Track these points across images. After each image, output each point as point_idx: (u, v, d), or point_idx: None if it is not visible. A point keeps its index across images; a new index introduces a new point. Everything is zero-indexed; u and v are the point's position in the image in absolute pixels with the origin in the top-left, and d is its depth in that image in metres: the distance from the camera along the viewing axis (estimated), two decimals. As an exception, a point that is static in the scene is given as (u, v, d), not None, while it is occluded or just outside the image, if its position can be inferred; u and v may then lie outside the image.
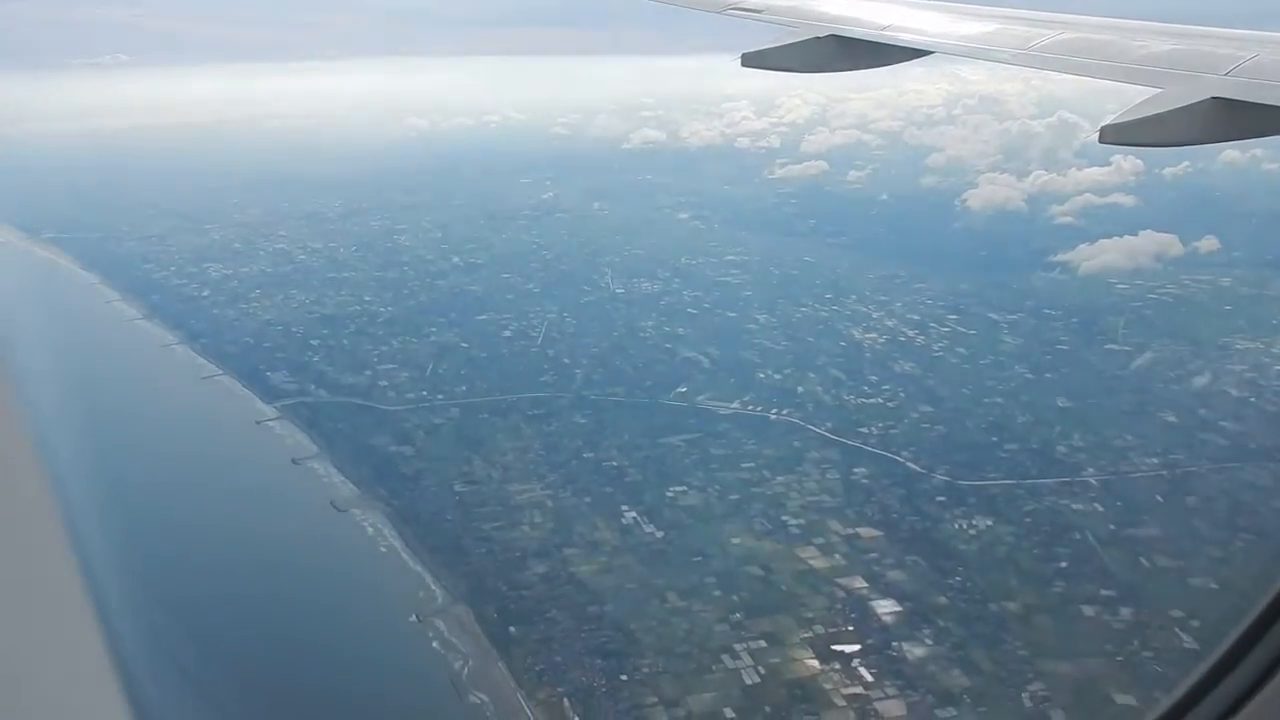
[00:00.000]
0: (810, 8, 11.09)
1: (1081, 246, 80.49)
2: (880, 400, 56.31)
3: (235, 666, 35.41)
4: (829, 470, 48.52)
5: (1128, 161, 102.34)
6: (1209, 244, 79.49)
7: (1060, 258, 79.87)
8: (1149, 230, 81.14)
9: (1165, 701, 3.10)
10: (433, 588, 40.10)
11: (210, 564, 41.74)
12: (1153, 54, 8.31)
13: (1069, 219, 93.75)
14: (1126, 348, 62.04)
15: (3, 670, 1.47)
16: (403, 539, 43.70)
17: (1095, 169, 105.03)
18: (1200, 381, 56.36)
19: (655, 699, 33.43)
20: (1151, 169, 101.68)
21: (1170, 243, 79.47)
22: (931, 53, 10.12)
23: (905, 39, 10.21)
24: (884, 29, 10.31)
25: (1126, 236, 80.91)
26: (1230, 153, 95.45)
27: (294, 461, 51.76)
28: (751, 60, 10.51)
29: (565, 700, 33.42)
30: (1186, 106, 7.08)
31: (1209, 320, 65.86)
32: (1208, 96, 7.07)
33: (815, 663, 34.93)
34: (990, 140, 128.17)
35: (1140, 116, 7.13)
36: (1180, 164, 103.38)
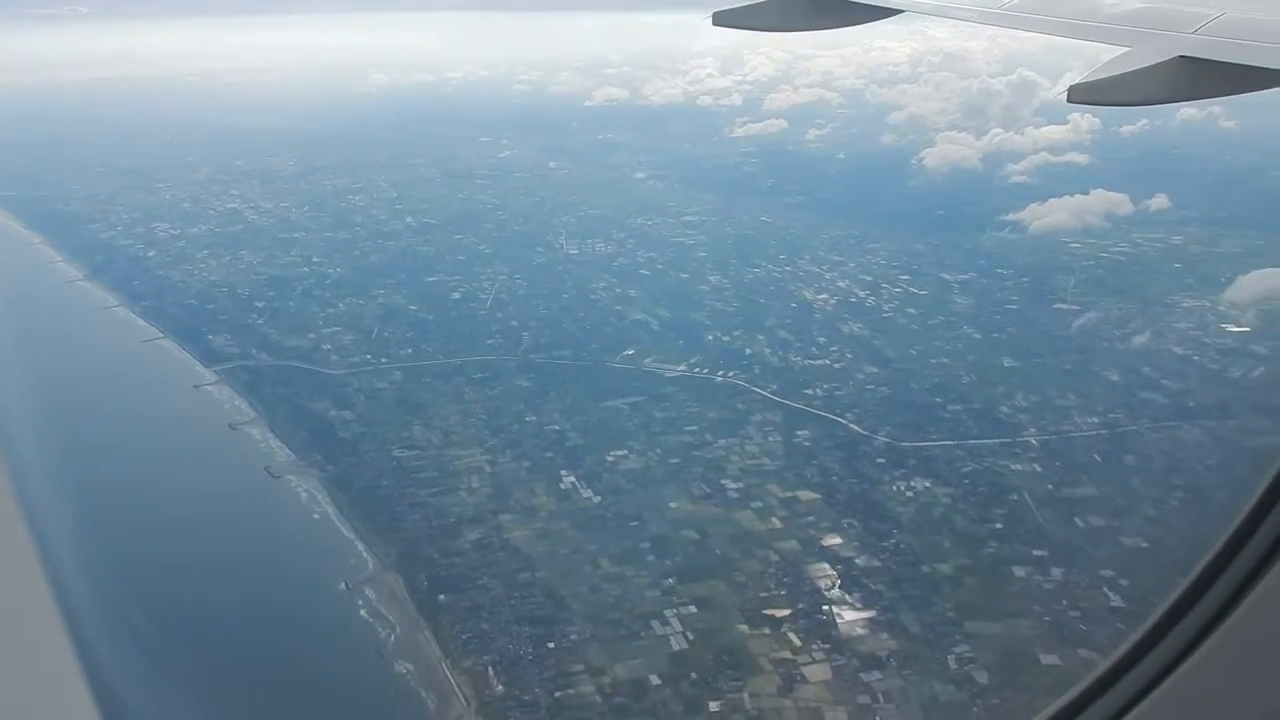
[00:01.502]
0: None
1: (1033, 205, 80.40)
2: (827, 362, 56.03)
3: (156, 634, 34.95)
4: (771, 433, 48.25)
5: (1085, 120, 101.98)
6: (1159, 202, 79.48)
7: (1012, 217, 79.73)
8: (1100, 189, 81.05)
9: (1073, 690, 3.03)
10: (364, 555, 39.57)
11: (136, 531, 41.11)
12: (1121, 12, 8.27)
13: (1024, 178, 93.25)
14: (1075, 307, 62.01)
15: None
16: (336, 505, 43.05)
17: (1053, 127, 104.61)
18: (1145, 340, 56.47)
19: (581, 667, 33.18)
20: (1109, 127, 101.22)
21: (1120, 201, 79.32)
22: (902, 11, 9.96)
23: None
24: None
25: (1077, 195, 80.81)
26: (1188, 110, 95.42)
27: (231, 426, 50.90)
28: (723, 19, 10.47)
29: (490, 669, 33.14)
30: (1154, 65, 6.98)
31: (1158, 279, 65.95)
32: (1175, 55, 6.99)
33: (744, 628, 34.77)
34: (951, 98, 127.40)
35: (1108, 75, 7.03)
36: (1138, 122, 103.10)
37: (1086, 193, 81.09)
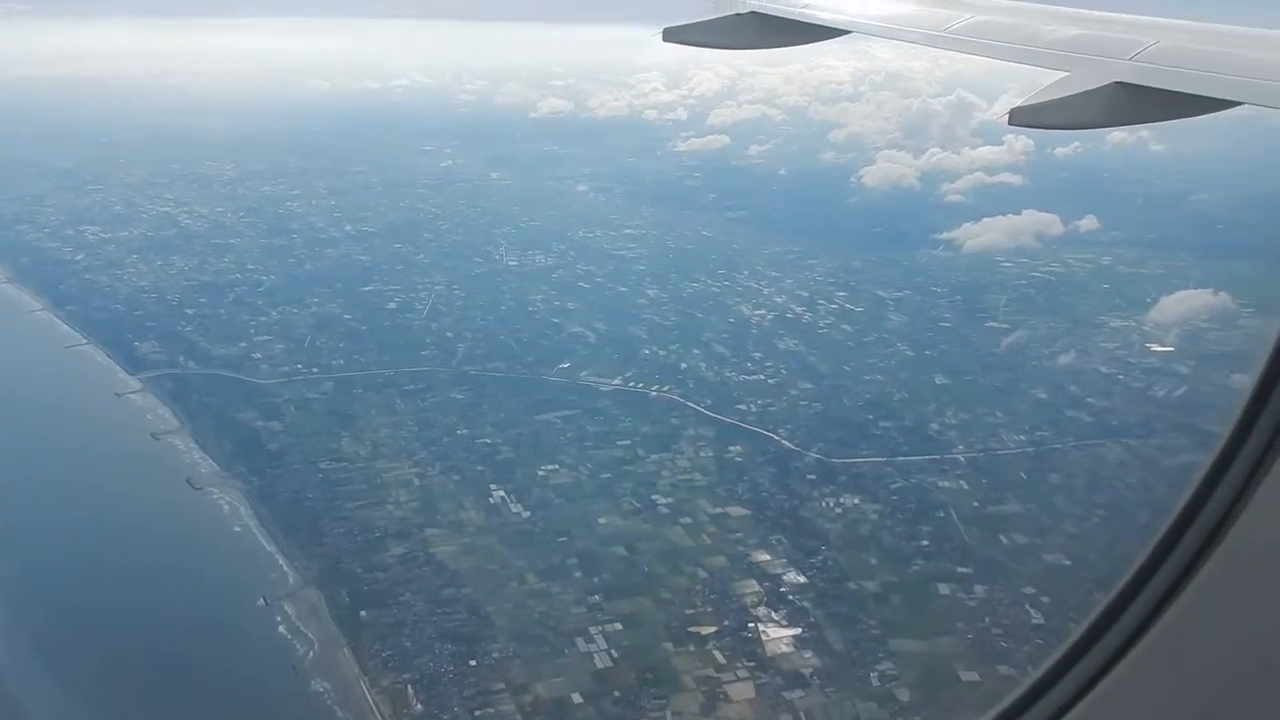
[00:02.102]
0: None
1: (967, 224, 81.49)
2: (762, 377, 56.18)
3: (69, 649, 34.05)
4: (704, 448, 48.23)
5: (1019, 141, 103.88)
6: (1089, 223, 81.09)
7: (947, 235, 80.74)
8: (1032, 209, 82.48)
9: (1015, 690, 3.02)
10: (285, 570, 38.82)
11: (52, 543, 40.11)
12: (1060, 38, 8.50)
13: (959, 197, 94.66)
14: (1006, 325, 62.87)
15: None
16: (259, 518, 42.23)
17: (988, 148, 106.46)
18: (1072, 359, 57.39)
19: (503, 685, 32.80)
20: (1042, 148, 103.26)
21: (1051, 222, 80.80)
22: (849, 32, 10.09)
23: (824, 18, 10.42)
24: (804, 7, 10.51)
25: (1010, 215, 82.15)
26: (1118, 134, 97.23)
27: (153, 436, 49.75)
28: (673, 35, 10.69)
29: (409, 687, 32.60)
30: (1092, 90, 7.22)
31: (1087, 298, 67.11)
32: (1112, 81, 7.20)
33: (669, 645, 34.63)
34: (892, 117, 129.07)
35: (1049, 99, 7.26)
36: (1071, 144, 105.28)
37: (1019, 213, 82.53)
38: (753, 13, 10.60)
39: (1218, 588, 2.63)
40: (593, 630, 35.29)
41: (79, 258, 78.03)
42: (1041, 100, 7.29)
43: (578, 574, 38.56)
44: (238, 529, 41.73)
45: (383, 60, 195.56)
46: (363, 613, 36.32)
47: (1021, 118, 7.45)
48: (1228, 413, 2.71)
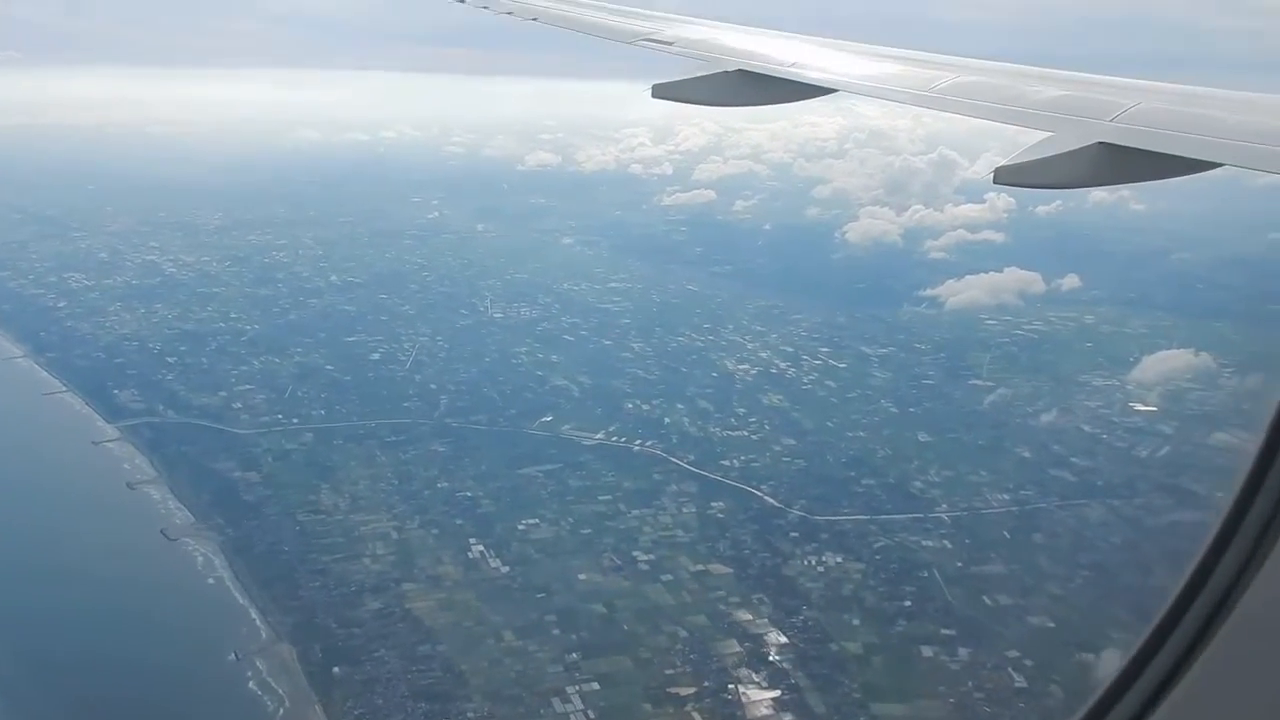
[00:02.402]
0: (720, 43, 11.54)
1: (950, 281, 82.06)
2: (745, 433, 55.96)
3: (36, 701, 33.33)
4: (686, 504, 47.83)
5: (1001, 199, 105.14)
6: (1071, 282, 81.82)
7: (930, 292, 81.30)
8: (1014, 267, 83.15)
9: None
10: (258, 624, 38.12)
11: (21, 592, 39.23)
12: (1043, 99, 8.56)
13: (942, 254, 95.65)
14: (990, 383, 62.95)
15: None
16: (233, 571, 41.54)
17: (970, 205, 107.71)
18: (1055, 418, 57.39)
19: (476, 746, 32.13)
20: (1024, 206, 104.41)
21: (1033, 280, 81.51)
22: (835, 90, 10.22)
23: (810, 76, 10.49)
24: (790, 66, 10.67)
25: (992, 273, 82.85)
26: (1099, 193, 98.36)
27: (129, 486, 49.14)
28: (662, 91, 10.73)
29: (380, 748, 31.89)
30: (1075, 150, 7.25)
31: (1070, 357, 67.33)
32: (1095, 141, 7.24)
33: (647, 706, 34.03)
34: (875, 174, 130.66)
35: (1032, 159, 7.30)
36: (1052, 203, 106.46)
37: (1001, 270, 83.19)
38: (740, 70, 10.63)
39: (1227, 661, 2.55)
40: (570, 690, 34.66)
41: (61, 304, 77.82)
42: (1025, 160, 7.27)
43: (556, 631, 37.96)
44: (211, 581, 41.04)
45: (371, 112, 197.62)
46: (335, 669, 35.59)
47: (1006, 177, 7.39)
48: (1230, 479, 2.61)
